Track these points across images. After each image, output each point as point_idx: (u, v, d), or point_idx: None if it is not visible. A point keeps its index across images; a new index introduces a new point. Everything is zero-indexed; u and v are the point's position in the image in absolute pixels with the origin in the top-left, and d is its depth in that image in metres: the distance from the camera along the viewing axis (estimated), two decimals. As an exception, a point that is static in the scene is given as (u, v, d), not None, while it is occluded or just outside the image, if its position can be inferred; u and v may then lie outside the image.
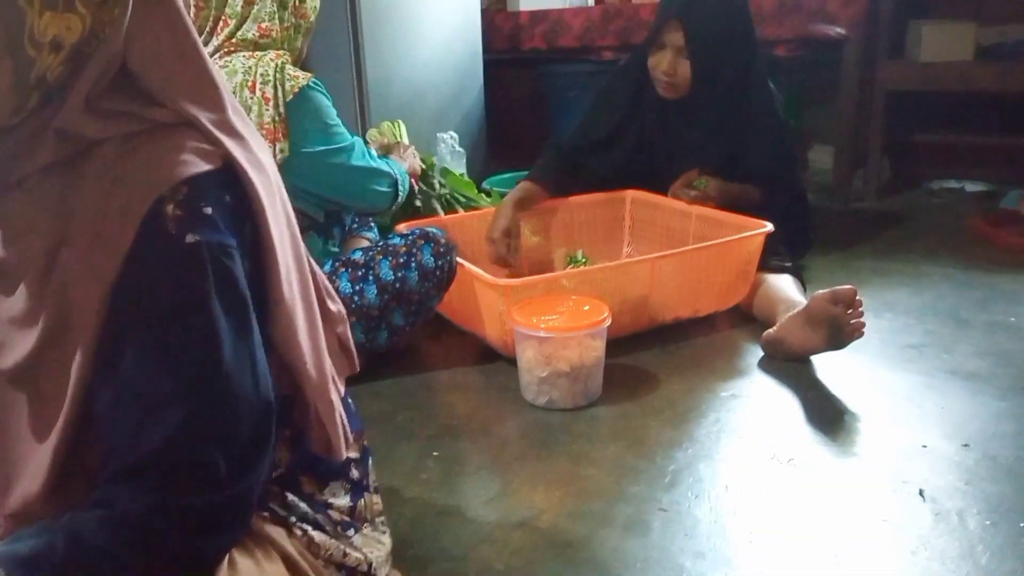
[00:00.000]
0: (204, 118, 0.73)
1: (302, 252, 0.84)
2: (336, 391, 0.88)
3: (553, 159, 2.26)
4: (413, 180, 2.10)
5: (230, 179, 0.73)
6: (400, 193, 1.87)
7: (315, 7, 1.72)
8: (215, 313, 0.69)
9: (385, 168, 1.82)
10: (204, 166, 0.71)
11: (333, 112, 1.69)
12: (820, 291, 1.61)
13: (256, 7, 1.63)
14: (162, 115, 0.72)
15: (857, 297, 1.58)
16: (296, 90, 1.60)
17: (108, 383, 0.69)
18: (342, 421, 0.88)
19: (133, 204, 0.68)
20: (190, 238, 0.68)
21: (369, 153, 1.80)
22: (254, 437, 0.73)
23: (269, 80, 1.58)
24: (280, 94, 1.59)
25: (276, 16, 1.63)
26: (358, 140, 1.74)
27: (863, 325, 1.59)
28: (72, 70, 0.68)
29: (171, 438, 0.68)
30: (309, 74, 1.63)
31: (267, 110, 1.58)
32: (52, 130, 0.68)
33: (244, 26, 1.62)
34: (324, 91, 1.67)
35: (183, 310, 0.69)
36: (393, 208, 1.90)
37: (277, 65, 1.59)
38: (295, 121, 1.61)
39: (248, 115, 1.54)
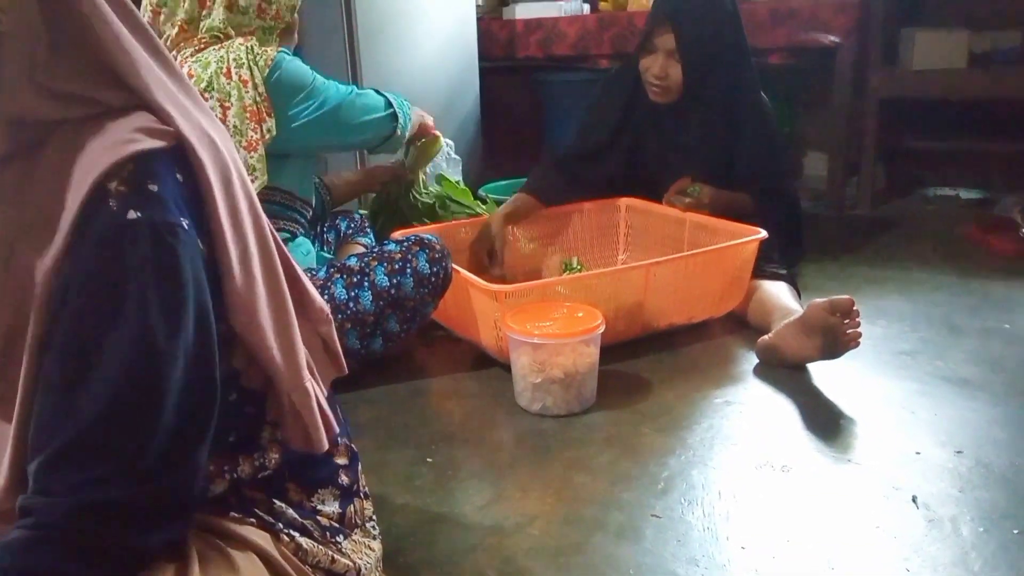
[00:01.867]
0: (157, 96, 0.72)
1: (267, 236, 0.82)
2: (313, 381, 0.86)
3: (549, 170, 2.27)
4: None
5: (181, 158, 0.72)
6: (400, 118, 1.87)
7: (291, 6, 1.70)
8: (148, 293, 0.67)
9: (375, 104, 1.82)
10: (153, 143, 0.70)
11: (308, 72, 1.68)
12: (817, 299, 1.61)
13: (210, 14, 1.62)
14: (116, 98, 0.71)
15: (855, 307, 1.58)
16: (269, 63, 1.60)
17: (45, 365, 0.68)
18: (322, 411, 0.86)
19: (80, 182, 0.67)
20: (132, 214, 0.67)
21: (355, 95, 1.77)
22: (183, 428, 0.71)
23: (243, 63, 1.58)
24: (256, 73, 1.59)
25: (231, 23, 1.62)
26: (335, 87, 1.73)
27: (859, 335, 1.59)
28: None
29: (89, 426, 0.66)
30: (276, 47, 1.65)
31: (247, 92, 1.58)
32: (6, 117, 0.67)
33: (203, 24, 1.62)
34: (292, 54, 1.68)
35: (115, 288, 0.67)
36: (397, 133, 1.89)
37: (247, 47, 1.60)
38: (276, 96, 1.61)
39: (228, 101, 1.55)
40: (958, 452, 1.38)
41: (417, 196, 2.24)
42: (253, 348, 0.79)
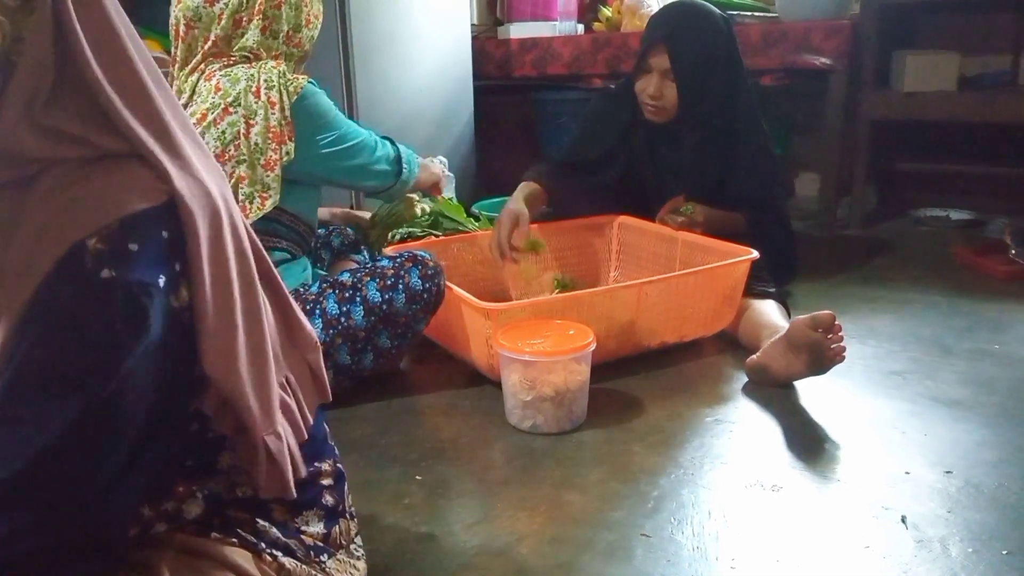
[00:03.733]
0: (152, 144, 0.72)
1: (253, 278, 0.81)
2: (285, 424, 0.86)
3: (549, 165, 2.26)
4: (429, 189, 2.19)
5: (171, 214, 0.72)
6: (404, 171, 1.92)
7: (312, 37, 1.77)
8: (114, 350, 0.68)
9: (385, 154, 1.87)
10: (143, 204, 0.70)
11: (331, 107, 1.75)
12: (799, 316, 1.62)
13: (245, 33, 1.67)
14: (112, 143, 0.71)
15: (836, 322, 1.59)
16: (299, 90, 1.65)
17: None
18: (294, 457, 0.86)
19: (62, 235, 0.67)
20: (105, 273, 0.67)
21: (371, 139, 1.83)
22: (142, 464, 0.72)
23: (274, 85, 1.63)
24: (285, 97, 1.64)
25: (263, 45, 1.68)
26: (354, 128, 1.79)
27: (844, 349, 1.60)
28: (3, 80, 0.67)
29: (39, 456, 0.66)
30: (306, 76, 1.70)
31: (273, 114, 1.63)
32: (2, 152, 0.67)
33: (235, 43, 1.67)
34: (319, 87, 1.73)
35: (81, 342, 0.67)
36: (398, 185, 1.93)
37: (280, 72, 1.65)
38: (298, 123, 1.66)
39: (254, 119, 1.59)
40: (948, 472, 1.38)
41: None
42: (229, 395, 0.78)
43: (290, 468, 0.85)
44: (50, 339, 0.67)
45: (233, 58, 1.68)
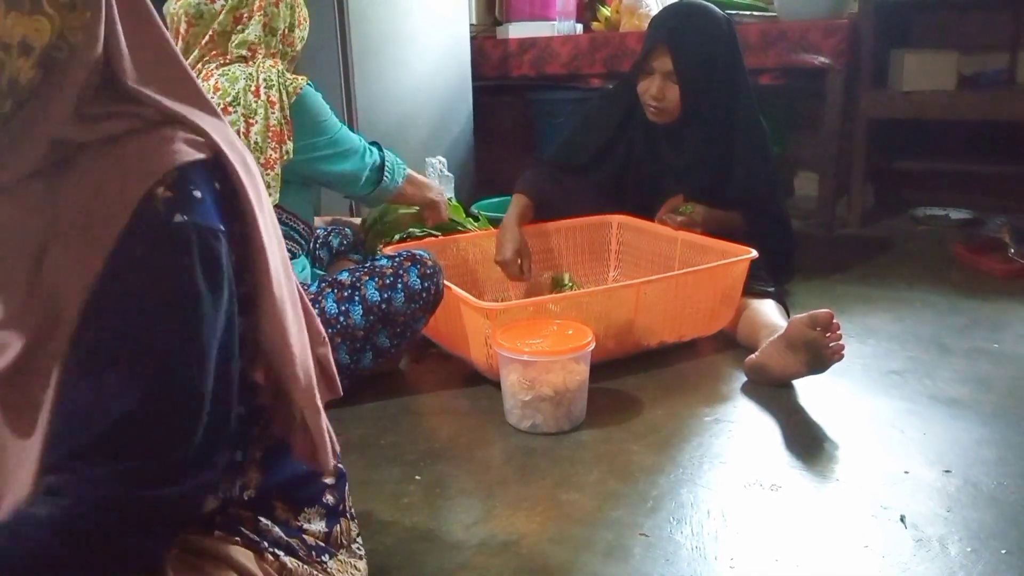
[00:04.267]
0: (190, 114, 0.74)
1: (287, 257, 0.84)
2: (321, 400, 0.87)
3: (538, 172, 2.27)
4: (428, 214, 2.12)
5: (218, 170, 0.74)
6: (385, 179, 1.89)
7: (302, 38, 1.78)
8: (199, 287, 0.69)
9: (370, 160, 1.84)
10: (195, 155, 0.72)
11: (326, 109, 1.76)
12: (798, 315, 1.63)
13: (245, 28, 1.67)
14: (149, 113, 0.72)
15: (834, 320, 1.59)
16: (298, 91, 1.66)
17: (85, 355, 0.68)
18: (329, 432, 0.87)
19: (127, 191, 0.68)
20: (178, 217, 0.69)
21: (358, 145, 1.82)
22: (210, 430, 0.72)
23: (273, 85, 1.64)
24: (284, 96, 1.65)
25: (263, 41, 1.68)
26: (346, 132, 1.79)
27: (842, 348, 1.60)
28: (44, 74, 0.68)
29: (142, 404, 0.67)
30: (304, 76, 1.71)
31: (273, 113, 1.63)
32: (47, 141, 0.69)
33: (234, 39, 1.67)
34: (315, 87, 1.74)
35: (167, 283, 0.69)
36: (375, 193, 1.90)
37: (278, 71, 1.66)
38: (296, 122, 1.67)
39: (254, 118, 1.60)
40: (947, 472, 1.38)
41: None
42: (278, 359, 0.80)
43: (327, 443, 0.86)
44: (133, 302, 0.68)
45: (229, 56, 1.67)
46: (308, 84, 1.70)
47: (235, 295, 0.74)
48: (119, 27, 0.71)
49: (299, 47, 1.77)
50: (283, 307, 0.79)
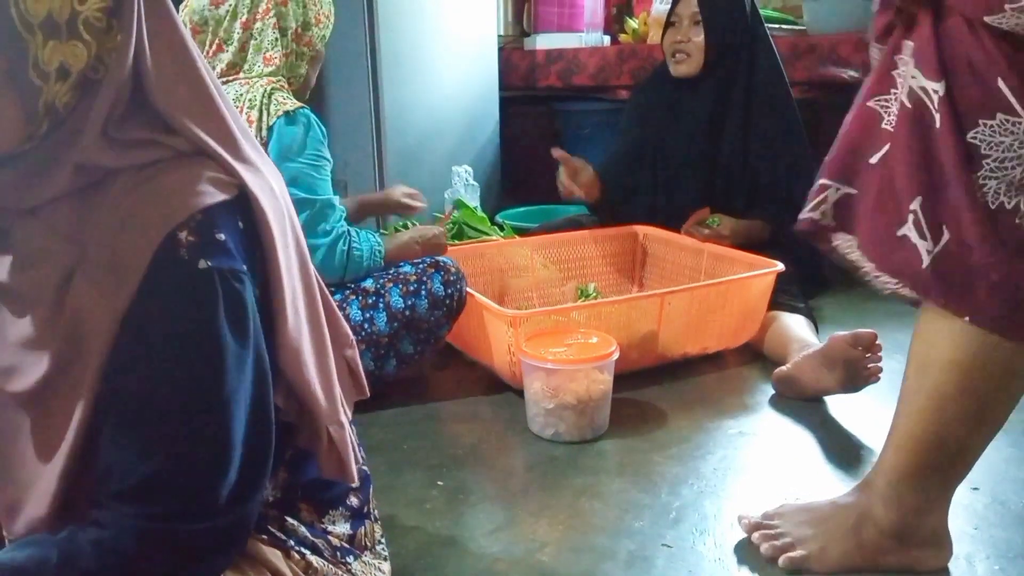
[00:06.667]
0: (218, 146, 0.74)
1: (311, 275, 0.85)
2: (345, 414, 0.89)
3: (607, 161, 2.40)
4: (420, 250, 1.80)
5: (244, 207, 0.75)
6: (355, 260, 1.64)
7: (323, 36, 1.71)
8: (224, 337, 0.70)
9: (336, 237, 1.61)
10: (220, 196, 0.72)
11: (308, 146, 1.59)
12: (840, 332, 1.61)
13: (255, 34, 1.62)
14: (179, 143, 0.72)
15: (877, 341, 1.57)
16: (279, 113, 1.57)
17: (114, 407, 0.70)
18: (353, 445, 0.89)
19: (149, 231, 0.69)
20: (202, 263, 0.69)
21: (330, 210, 1.61)
22: (252, 463, 0.74)
23: (255, 105, 1.58)
24: (264, 118, 1.58)
25: (278, 43, 1.63)
26: (319, 185, 1.60)
27: (880, 370, 1.58)
28: (80, 96, 0.69)
29: (169, 462, 0.69)
30: (298, 103, 1.60)
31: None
32: (72, 164, 0.69)
33: (250, 58, 1.63)
34: (310, 122, 1.60)
35: (192, 334, 0.70)
36: (329, 276, 1.61)
37: (266, 91, 1.58)
38: (274, 137, 1.57)
39: None
40: (974, 489, 1.36)
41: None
42: (297, 385, 0.81)
43: (352, 455, 0.88)
44: (156, 361, 0.69)
45: (238, 68, 1.62)
46: (303, 113, 1.59)
47: (258, 330, 0.75)
48: (147, 46, 0.71)
49: (320, 46, 1.70)
50: (299, 333, 0.80)
